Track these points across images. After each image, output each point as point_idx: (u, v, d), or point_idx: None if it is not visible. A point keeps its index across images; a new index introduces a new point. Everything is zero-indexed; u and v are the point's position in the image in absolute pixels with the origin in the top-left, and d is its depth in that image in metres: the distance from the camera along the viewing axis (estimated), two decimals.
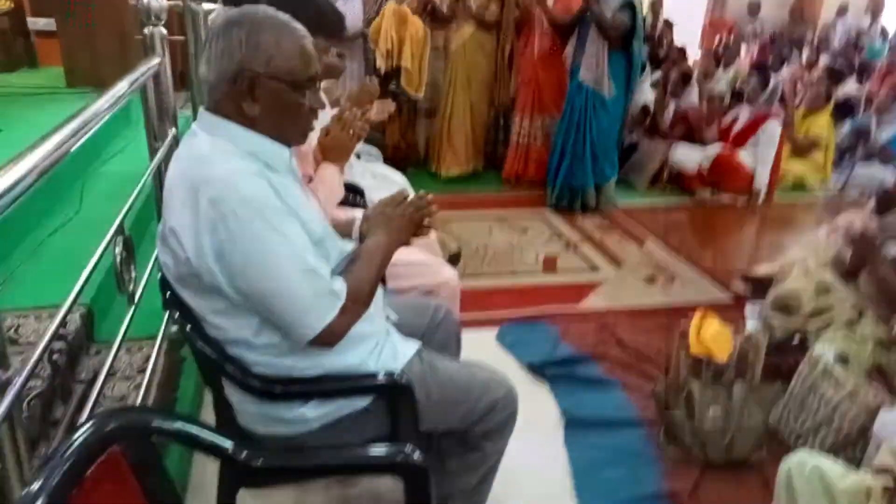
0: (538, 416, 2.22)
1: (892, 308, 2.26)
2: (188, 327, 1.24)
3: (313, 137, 2.15)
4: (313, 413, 1.29)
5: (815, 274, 2.63)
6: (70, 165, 2.94)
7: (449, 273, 2.03)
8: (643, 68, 4.98)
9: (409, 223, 1.43)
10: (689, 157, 4.75)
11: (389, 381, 1.32)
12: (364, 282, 1.27)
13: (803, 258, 3.24)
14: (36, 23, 4.75)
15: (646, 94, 5.30)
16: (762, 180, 4.62)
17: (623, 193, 4.62)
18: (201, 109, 1.22)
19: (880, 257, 2.35)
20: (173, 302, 1.24)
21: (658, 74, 6.10)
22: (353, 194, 2.44)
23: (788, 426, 2.14)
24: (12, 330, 1.90)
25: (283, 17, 1.22)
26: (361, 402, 1.33)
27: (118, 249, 1.57)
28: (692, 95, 5.30)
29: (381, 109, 2.67)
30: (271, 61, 1.17)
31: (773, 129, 4.56)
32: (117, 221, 1.55)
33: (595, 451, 2.09)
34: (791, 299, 2.71)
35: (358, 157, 2.95)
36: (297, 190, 1.27)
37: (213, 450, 1.05)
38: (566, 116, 4.21)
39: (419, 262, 2.01)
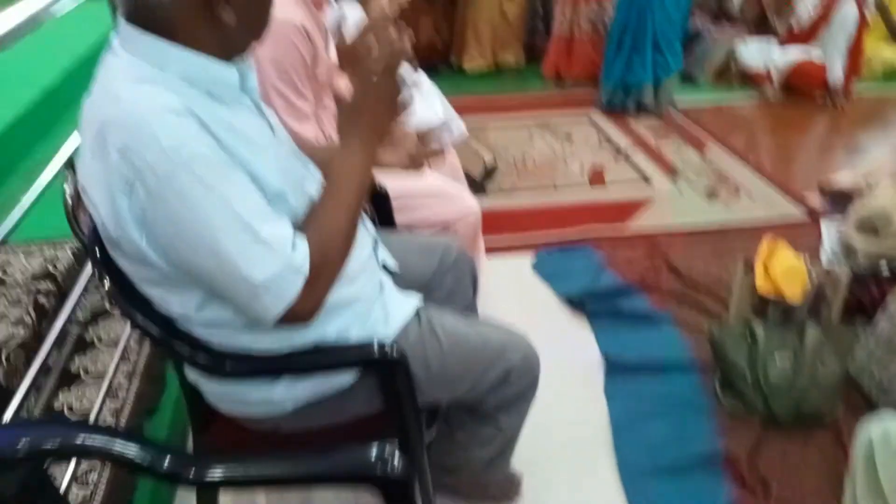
0: (575, 360, 1.98)
1: None
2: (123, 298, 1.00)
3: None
4: (283, 395, 1.06)
5: None
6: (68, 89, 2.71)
7: (469, 202, 1.73)
8: None
9: (381, 101, 1.04)
10: (757, 58, 4.16)
11: (377, 353, 1.07)
12: (333, 231, 0.97)
13: (894, 164, 2.80)
14: None
15: None
16: (835, 74, 4.01)
17: (683, 90, 4.10)
18: (121, 21, 0.92)
19: None
20: (104, 263, 1.00)
21: None
22: None
23: (871, 376, 1.82)
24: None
25: None
26: (344, 379, 1.09)
27: (69, 190, 1.33)
28: None
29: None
30: None
31: (846, 9, 3.90)
32: (62, 154, 1.29)
33: (639, 401, 1.83)
34: (878, 218, 2.31)
35: None
36: (251, 122, 0.98)
37: (126, 464, 0.83)
38: (623, 4, 3.66)
39: (432, 191, 1.71)
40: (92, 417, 1.45)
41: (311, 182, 1.07)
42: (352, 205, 1.00)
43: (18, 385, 1.37)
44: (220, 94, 0.93)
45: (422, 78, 2.55)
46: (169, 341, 1.01)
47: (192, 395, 1.19)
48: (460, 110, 3.82)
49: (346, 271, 1.02)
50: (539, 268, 2.43)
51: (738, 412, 1.78)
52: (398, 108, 1.06)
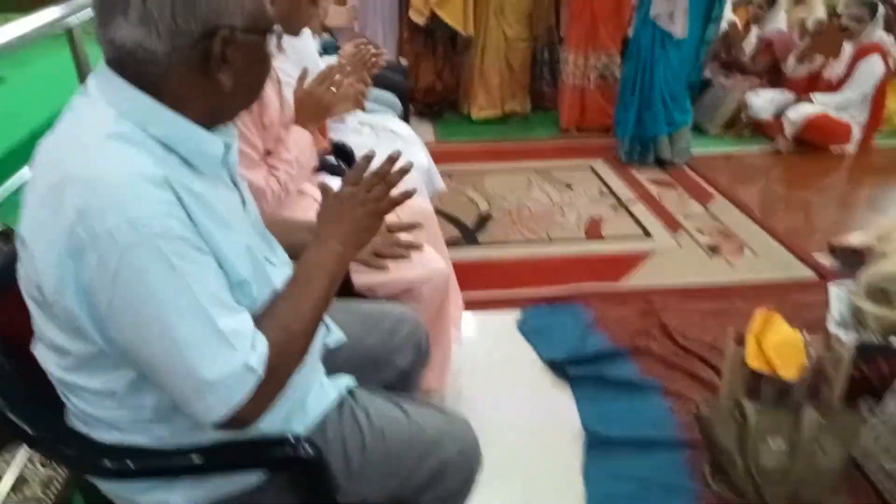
0: (553, 431, 1.83)
1: None
2: None
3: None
4: (179, 499, 0.93)
5: None
6: None
7: (436, 264, 1.60)
8: None
9: (369, 215, 1.00)
10: (769, 109, 4.05)
11: (288, 451, 0.94)
12: (296, 331, 0.88)
13: None
14: None
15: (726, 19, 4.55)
16: (856, 127, 3.89)
17: (692, 140, 3.95)
18: (102, 65, 0.82)
19: None
20: None
21: None
22: (339, 157, 2.03)
23: (878, 462, 1.65)
24: None
25: None
26: (251, 478, 0.96)
27: None
28: (779, 20, 4.50)
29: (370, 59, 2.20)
30: (244, 7, 0.83)
31: (872, 63, 3.79)
32: None
33: (620, 482, 1.67)
34: (891, 283, 2.16)
35: (361, 108, 2.52)
36: (225, 198, 0.89)
37: None
38: (633, 56, 3.57)
39: None
40: None
41: (276, 267, 0.97)
42: (319, 305, 0.91)
43: None
44: (200, 165, 0.84)
45: (404, 127, 2.48)
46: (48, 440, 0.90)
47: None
48: (461, 155, 3.79)
49: None
50: (524, 326, 2.30)
51: (728, 500, 1.61)
52: (380, 222, 1.03)
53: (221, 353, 0.77)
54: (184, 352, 0.76)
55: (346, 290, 1.45)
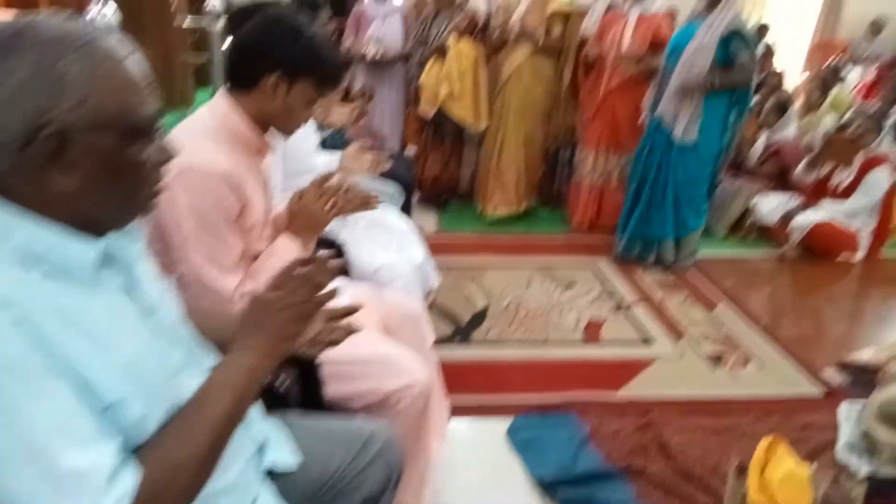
0: None
1: None
2: None
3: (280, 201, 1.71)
4: None
5: None
6: None
7: (416, 373, 1.52)
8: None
9: (292, 321, 0.92)
10: (776, 213, 4.03)
11: None
12: (184, 459, 0.79)
13: None
14: None
15: None
16: (863, 237, 3.86)
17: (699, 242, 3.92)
18: None
19: None
20: None
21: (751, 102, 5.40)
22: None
23: None
24: None
25: (84, 28, 0.77)
26: None
27: None
28: (788, 128, 4.56)
29: (372, 165, 2.18)
30: (87, 102, 0.74)
31: (879, 175, 3.79)
32: None
33: None
34: None
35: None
36: (110, 308, 0.81)
37: None
38: (641, 155, 3.54)
39: (372, 357, 1.51)
40: None
41: (196, 377, 0.89)
42: (218, 428, 0.82)
43: None
44: (72, 273, 0.77)
45: (400, 221, 2.45)
46: None
47: None
48: (464, 247, 3.75)
49: (202, 494, 0.82)
50: (514, 436, 2.17)
51: None
52: (308, 321, 0.95)
53: (60, 495, 0.68)
54: (14, 499, 0.67)
55: (316, 402, 1.37)
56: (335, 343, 1.12)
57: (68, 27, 0.76)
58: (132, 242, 0.89)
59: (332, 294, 0.95)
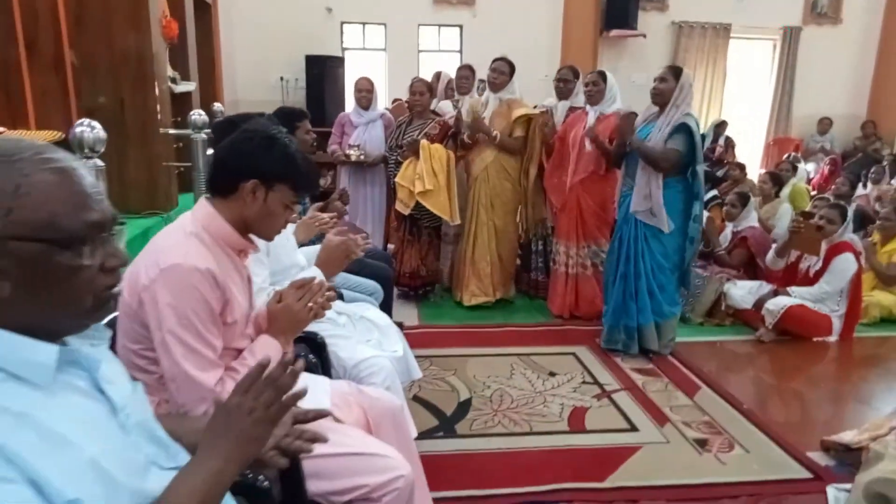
0: None
1: None
2: None
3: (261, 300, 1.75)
4: None
5: None
6: None
7: (399, 468, 1.50)
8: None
9: (258, 424, 0.94)
10: (748, 299, 4.15)
11: None
12: None
13: None
14: None
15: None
16: (835, 319, 3.98)
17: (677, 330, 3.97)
18: None
19: None
20: None
21: (714, 193, 5.66)
22: (310, 349, 2.00)
23: None
24: None
25: (19, 145, 0.81)
26: None
27: None
28: (751, 219, 4.75)
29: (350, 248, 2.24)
30: (12, 213, 0.77)
31: (845, 259, 3.94)
32: None
33: None
34: (891, 489, 2.04)
35: (341, 297, 2.55)
36: (70, 408, 0.82)
37: None
38: (614, 250, 3.67)
39: (357, 452, 1.50)
40: None
41: (166, 471, 0.90)
42: None
43: None
44: (30, 377, 0.79)
45: (381, 316, 2.48)
46: None
47: None
48: (445, 339, 3.76)
49: None
50: None
51: None
52: (274, 424, 0.97)
53: None
54: None
55: (298, 499, 1.35)
56: (302, 451, 1.11)
57: (2, 144, 0.81)
58: (97, 343, 0.91)
59: (299, 396, 0.98)
